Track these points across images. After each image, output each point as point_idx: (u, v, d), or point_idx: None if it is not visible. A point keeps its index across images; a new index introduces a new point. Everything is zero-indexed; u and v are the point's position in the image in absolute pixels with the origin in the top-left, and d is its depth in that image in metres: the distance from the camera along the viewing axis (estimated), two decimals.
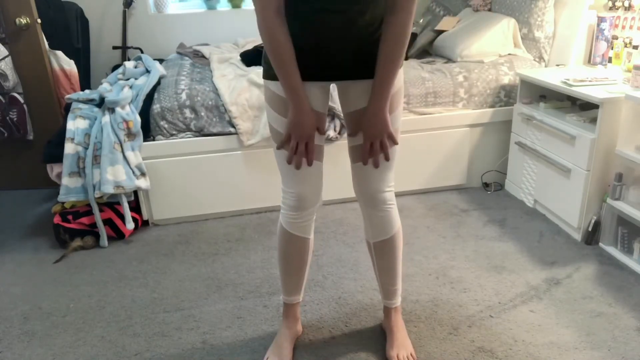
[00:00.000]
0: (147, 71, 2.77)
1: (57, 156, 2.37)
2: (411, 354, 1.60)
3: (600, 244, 2.20)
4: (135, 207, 2.53)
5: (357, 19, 1.28)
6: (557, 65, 2.72)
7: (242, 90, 2.51)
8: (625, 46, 2.46)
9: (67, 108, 2.52)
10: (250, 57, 2.90)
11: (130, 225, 2.40)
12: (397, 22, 1.26)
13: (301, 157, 1.36)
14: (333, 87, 2.36)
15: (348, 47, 1.33)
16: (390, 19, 1.27)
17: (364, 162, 1.40)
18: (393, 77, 1.31)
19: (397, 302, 1.67)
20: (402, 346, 1.61)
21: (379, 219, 1.51)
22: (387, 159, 1.41)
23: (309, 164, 1.38)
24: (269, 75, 1.38)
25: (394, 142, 1.40)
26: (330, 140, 2.54)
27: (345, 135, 2.60)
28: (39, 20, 2.84)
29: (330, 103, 2.45)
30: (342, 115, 2.42)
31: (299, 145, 1.35)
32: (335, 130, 2.53)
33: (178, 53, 3.43)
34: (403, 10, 1.25)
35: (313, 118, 1.34)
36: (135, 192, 2.50)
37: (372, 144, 1.37)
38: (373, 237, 1.56)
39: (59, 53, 2.98)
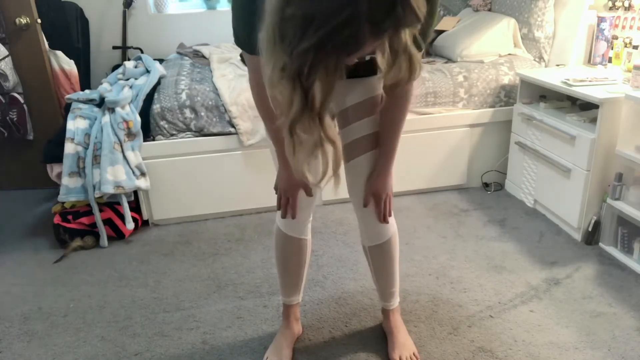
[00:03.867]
0: (147, 71, 2.77)
1: (57, 156, 2.37)
2: (414, 354, 1.60)
3: (600, 244, 2.20)
4: (135, 207, 2.53)
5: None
6: (557, 65, 2.72)
7: (242, 90, 2.51)
8: (625, 46, 2.46)
9: (67, 108, 2.52)
10: None
11: (130, 225, 2.40)
12: (397, 107, 1.32)
13: (286, 209, 1.44)
14: None
15: None
16: (392, 102, 1.31)
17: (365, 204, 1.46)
18: (397, 144, 1.40)
19: (395, 304, 1.67)
20: (404, 347, 1.61)
21: (374, 223, 1.48)
22: (386, 218, 1.48)
23: (293, 217, 1.45)
24: None
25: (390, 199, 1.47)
26: None
27: None
28: (39, 20, 2.84)
29: None
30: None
31: (283, 198, 1.43)
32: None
33: (178, 53, 3.43)
34: (402, 97, 1.31)
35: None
36: (135, 192, 2.50)
37: (378, 202, 1.45)
38: (368, 241, 1.54)
39: (59, 53, 2.98)
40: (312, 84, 0.85)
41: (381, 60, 0.96)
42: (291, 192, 1.42)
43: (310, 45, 0.78)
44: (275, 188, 1.47)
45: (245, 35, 1.16)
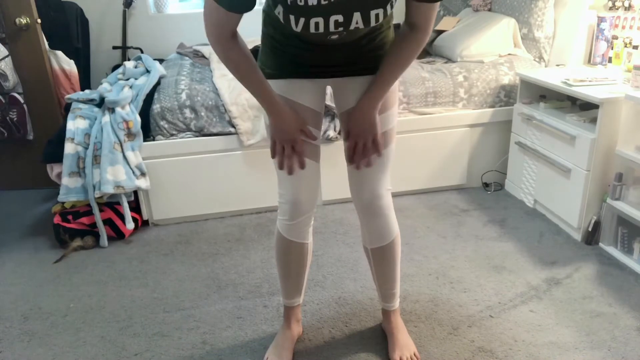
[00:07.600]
0: (147, 71, 2.77)
1: (57, 156, 2.37)
2: (414, 354, 1.60)
3: (600, 244, 2.20)
4: (135, 207, 2.53)
5: (359, 44, 1.31)
6: (557, 65, 2.72)
7: (242, 90, 2.51)
8: (625, 46, 2.46)
9: (67, 108, 2.52)
10: None
11: (130, 225, 2.40)
12: (414, 39, 1.25)
13: (291, 161, 1.33)
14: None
15: (343, 55, 1.34)
16: (409, 34, 1.25)
17: (350, 163, 1.38)
18: (394, 81, 1.31)
19: (396, 305, 1.66)
20: (405, 347, 1.61)
21: (377, 225, 1.47)
22: (368, 165, 1.37)
23: (301, 166, 1.34)
24: (264, 74, 1.38)
25: (377, 150, 1.34)
26: (330, 140, 2.54)
27: None
28: (39, 20, 2.84)
29: (329, 103, 2.45)
30: None
31: (286, 149, 1.32)
32: (335, 130, 2.53)
33: (178, 53, 3.42)
34: (422, 30, 1.24)
35: (294, 119, 1.32)
36: (135, 192, 2.50)
37: (356, 144, 1.34)
38: (370, 243, 1.53)
39: (59, 53, 2.98)
40: None
41: None
42: (291, 136, 1.30)
43: None
44: (272, 154, 1.34)
45: None
